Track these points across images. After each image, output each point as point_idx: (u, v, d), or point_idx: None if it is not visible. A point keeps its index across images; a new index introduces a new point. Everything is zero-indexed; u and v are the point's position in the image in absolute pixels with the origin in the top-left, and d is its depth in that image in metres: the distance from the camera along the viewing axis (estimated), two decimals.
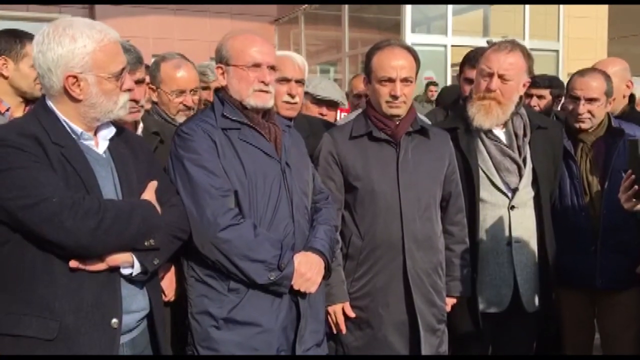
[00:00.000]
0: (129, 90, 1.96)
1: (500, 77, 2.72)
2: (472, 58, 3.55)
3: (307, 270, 2.20)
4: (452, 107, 3.70)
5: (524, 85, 2.82)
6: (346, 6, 9.70)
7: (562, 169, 2.97)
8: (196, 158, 2.14)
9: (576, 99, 2.94)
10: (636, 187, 2.26)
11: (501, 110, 2.75)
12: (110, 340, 1.81)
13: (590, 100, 2.90)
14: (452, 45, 8.72)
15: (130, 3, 9.96)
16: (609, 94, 2.94)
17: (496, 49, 2.77)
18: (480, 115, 2.76)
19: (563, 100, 4.06)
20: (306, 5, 10.49)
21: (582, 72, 3.02)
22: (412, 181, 2.54)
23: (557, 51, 9.65)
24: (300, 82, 2.91)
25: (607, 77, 2.97)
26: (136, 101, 2.41)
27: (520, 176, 2.80)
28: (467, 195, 2.78)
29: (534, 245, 2.84)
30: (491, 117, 2.75)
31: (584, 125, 2.94)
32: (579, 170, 2.95)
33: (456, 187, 2.72)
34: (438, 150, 2.66)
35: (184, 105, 2.96)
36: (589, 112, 2.91)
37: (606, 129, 2.97)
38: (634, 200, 2.30)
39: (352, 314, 2.57)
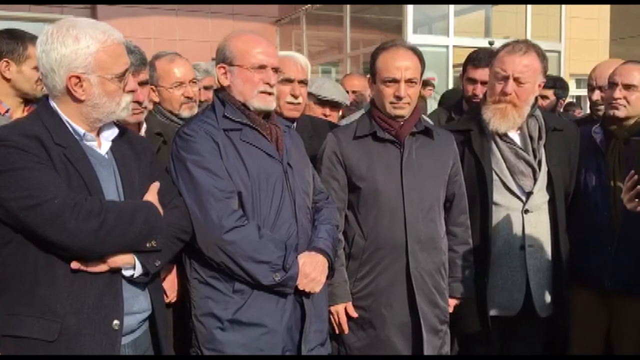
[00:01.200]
0: (132, 91, 1.96)
1: (516, 80, 2.67)
2: (475, 58, 3.55)
3: (312, 270, 2.20)
4: (454, 108, 3.70)
5: (539, 85, 2.77)
6: (348, 7, 9.68)
7: (591, 165, 2.89)
8: (199, 160, 2.13)
9: (614, 85, 2.86)
10: (639, 187, 2.22)
11: (517, 113, 2.71)
12: (112, 342, 1.81)
13: (628, 86, 2.81)
14: (454, 46, 8.70)
15: (132, 3, 9.95)
16: None
17: (510, 51, 2.71)
18: (496, 119, 2.71)
19: (567, 100, 4.06)
20: (308, 5, 10.48)
21: (625, 62, 2.95)
22: (415, 182, 2.53)
23: (559, 52, 9.62)
24: (303, 82, 2.91)
25: None
26: (139, 102, 2.41)
27: (535, 179, 2.75)
28: (480, 198, 2.75)
29: (548, 249, 2.80)
30: (507, 120, 2.71)
31: (617, 113, 2.84)
32: (607, 167, 2.86)
33: (460, 188, 2.71)
34: (442, 151, 2.65)
35: (186, 97, 2.95)
36: (625, 98, 2.82)
37: None
38: (636, 200, 2.26)
39: (354, 314, 2.57)
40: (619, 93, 2.82)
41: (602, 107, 3.34)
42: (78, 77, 1.80)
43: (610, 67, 3.40)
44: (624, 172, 2.80)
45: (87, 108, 1.85)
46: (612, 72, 2.92)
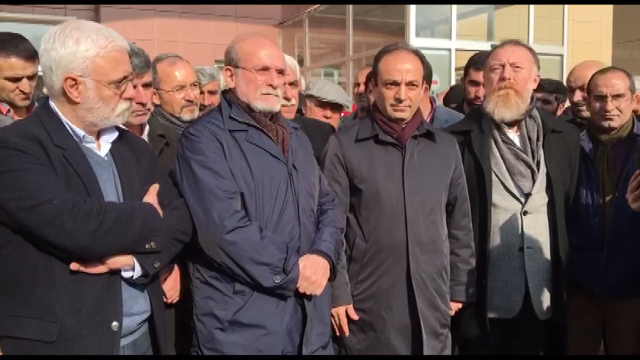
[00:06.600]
0: (130, 99, 1.94)
1: (512, 65, 2.70)
2: (477, 61, 3.56)
3: (312, 274, 2.19)
4: (456, 110, 3.69)
5: (534, 80, 2.79)
6: (350, 10, 9.70)
7: (581, 172, 2.90)
8: (203, 160, 2.14)
9: (602, 97, 2.86)
10: None
11: (520, 99, 2.71)
12: (111, 343, 1.80)
13: (617, 96, 2.84)
14: (457, 49, 8.71)
15: (136, 3, 9.97)
16: (632, 89, 2.88)
17: (501, 45, 2.77)
18: (500, 107, 2.71)
19: (566, 106, 4.08)
20: (311, 8, 10.50)
21: (602, 71, 2.96)
22: (417, 184, 2.53)
23: (561, 55, 9.63)
24: (293, 84, 2.93)
25: (627, 74, 2.92)
26: (143, 104, 2.41)
27: (534, 180, 2.74)
28: (479, 200, 2.74)
29: (546, 251, 2.78)
30: (511, 107, 2.71)
31: (613, 123, 2.86)
32: (596, 173, 2.88)
33: (462, 191, 2.70)
34: (444, 154, 2.64)
35: (187, 100, 2.93)
36: (617, 108, 2.84)
37: (628, 133, 2.89)
38: None
39: (355, 317, 2.56)
40: (611, 105, 2.84)
41: (584, 107, 3.39)
42: (74, 79, 1.80)
43: (587, 68, 3.45)
44: (612, 177, 2.84)
45: (82, 111, 1.85)
46: (594, 83, 2.93)
